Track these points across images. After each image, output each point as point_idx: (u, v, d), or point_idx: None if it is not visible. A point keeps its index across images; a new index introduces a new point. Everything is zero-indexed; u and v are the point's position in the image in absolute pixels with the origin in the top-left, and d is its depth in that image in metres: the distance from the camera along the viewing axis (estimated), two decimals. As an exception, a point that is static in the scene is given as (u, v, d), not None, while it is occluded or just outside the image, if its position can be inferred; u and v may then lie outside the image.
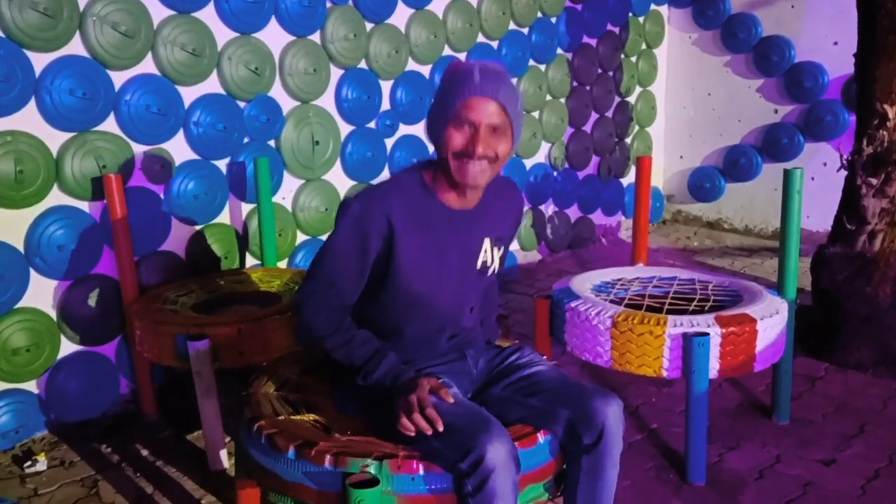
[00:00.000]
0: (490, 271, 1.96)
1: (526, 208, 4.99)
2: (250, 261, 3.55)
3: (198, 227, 3.33)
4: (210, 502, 2.54)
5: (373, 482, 1.63)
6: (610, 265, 3.47)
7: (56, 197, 2.90)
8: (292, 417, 1.89)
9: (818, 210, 4.84)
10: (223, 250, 3.39)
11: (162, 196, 3.19)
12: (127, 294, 2.96)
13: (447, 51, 4.25)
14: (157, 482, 2.66)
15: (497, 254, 1.96)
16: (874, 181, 3.40)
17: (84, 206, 2.98)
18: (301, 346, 2.20)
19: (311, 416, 1.91)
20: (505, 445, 1.61)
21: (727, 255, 5.31)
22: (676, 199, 6.09)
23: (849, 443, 2.82)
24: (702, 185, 5.86)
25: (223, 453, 2.72)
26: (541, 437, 1.80)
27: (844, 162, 3.56)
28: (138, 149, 3.10)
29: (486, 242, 1.92)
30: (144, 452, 2.86)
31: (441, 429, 1.63)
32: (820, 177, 5.10)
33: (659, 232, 5.91)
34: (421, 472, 1.67)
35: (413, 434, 1.67)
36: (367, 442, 1.76)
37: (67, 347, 3.01)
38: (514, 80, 4.71)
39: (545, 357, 2.05)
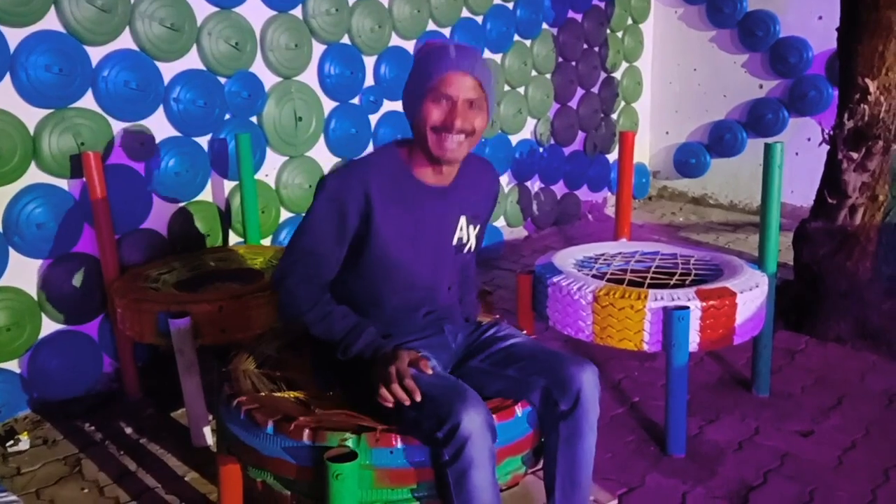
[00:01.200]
0: (466, 249, 1.97)
1: (512, 185, 4.99)
2: (233, 238, 3.53)
3: (180, 205, 3.31)
4: (193, 478, 2.55)
5: (351, 456, 1.64)
6: (595, 241, 3.47)
7: (34, 175, 2.87)
8: (272, 394, 1.90)
9: (802, 185, 4.87)
10: (206, 228, 3.38)
11: (143, 173, 3.17)
12: (108, 272, 2.95)
13: (431, 25, 4.21)
14: (140, 459, 2.67)
15: (473, 232, 1.97)
16: (855, 155, 3.41)
17: (63, 183, 2.95)
18: (282, 322, 2.20)
19: (291, 393, 1.92)
20: (480, 414, 1.63)
21: (712, 231, 5.33)
22: (662, 175, 6.09)
23: (827, 415, 2.86)
24: (687, 160, 5.87)
25: (206, 430, 2.72)
26: (518, 410, 1.82)
27: (826, 136, 3.57)
28: (117, 126, 3.07)
29: (462, 220, 1.93)
30: (128, 430, 2.86)
31: (419, 399, 1.65)
32: (804, 152, 5.11)
33: (644, 208, 5.92)
34: (399, 445, 1.68)
35: (391, 405, 1.68)
36: (345, 416, 1.77)
37: (49, 326, 3.00)
38: (499, 56, 4.68)
39: (525, 332, 2.06)
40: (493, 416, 1.71)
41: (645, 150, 6.06)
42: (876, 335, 3.39)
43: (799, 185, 4.92)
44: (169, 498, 2.45)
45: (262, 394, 1.89)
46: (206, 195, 3.41)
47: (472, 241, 1.97)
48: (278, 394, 1.91)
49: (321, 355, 1.96)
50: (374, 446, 1.67)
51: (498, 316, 2.16)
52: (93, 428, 2.88)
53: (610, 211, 5.84)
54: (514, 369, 1.86)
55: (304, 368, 2.05)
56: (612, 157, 5.80)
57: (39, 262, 2.94)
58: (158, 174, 3.20)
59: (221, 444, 2.10)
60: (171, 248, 3.28)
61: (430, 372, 1.71)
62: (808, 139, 5.15)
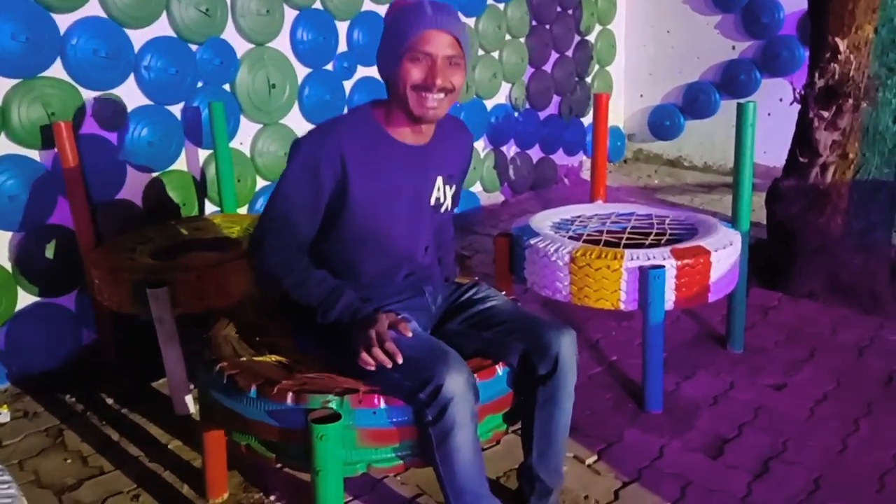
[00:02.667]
0: (443, 208, 1.97)
1: (488, 149, 4.99)
2: (209, 207, 3.51)
3: (154, 175, 3.28)
4: (177, 446, 2.56)
5: (334, 417, 1.66)
6: (572, 205, 3.50)
7: (4, 146, 2.83)
8: (253, 358, 1.91)
9: (774, 145, 4.87)
10: (181, 197, 3.35)
11: (115, 143, 3.13)
12: (84, 243, 2.93)
13: (403, -11, 4.17)
14: (123, 429, 2.67)
15: (449, 192, 1.97)
16: (826, 114, 3.45)
17: (34, 154, 2.92)
18: (260, 288, 2.20)
19: (273, 357, 1.93)
20: (463, 375, 1.65)
21: (687, 192, 5.39)
22: (637, 138, 6.12)
23: (799, 368, 2.93)
24: (662, 123, 5.90)
25: (188, 398, 2.73)
26: (499, 369, 1.84)
27: (797, 95, 3.60)
28: (88, 95, 3.02)
29: (439, 180, 1.93)
30: (109, 401, 2.86)
31: (400, 361, 1.66)
32: (776, 112, 5.14)
33: (620, 171, 5.96)
34: (382, 405, 1.70)
35: (373, 368, 1.69)
36: (327, 378, 1.78)
37: (25, 299, 2.98)
38: (473, 20, 4.65)
39: (503, 293, 2.08)
40: (475, 375, 1.74)
41: (620, 113, 6.08)
42: (847, 290, 3.46)
43: (772, 146, 4.94)
44: (153, 466, 2.46)
45: (244, 358, 1.90)
46: (181, 164, 3.38)
47: (449, 201, 1.98)
48: (259, 358, 1.92)
49: (300, 320, 1.97)
50: (356, 407, 1.69)
51: (476, 278, 2.17)
52: (73, 399, 2.87)
53: (586, 174, 5.86)
54: (493, 332, 1.88)
55: (284, 333, 2.06)
56: (588, 120, 5.81)
57: (11, 234, 2.91)
58: (131, 144, 3.16)
59: (204, 410, 2.11)
60: (147, 218, 3.26)
61: (409, 334, 1.72)
62: (781, 100, 5.19)
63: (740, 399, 2.73)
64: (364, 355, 1.69)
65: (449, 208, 1.99)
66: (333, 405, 1.69)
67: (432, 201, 1.93)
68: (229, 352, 1.93)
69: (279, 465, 2.40)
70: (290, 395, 1.72)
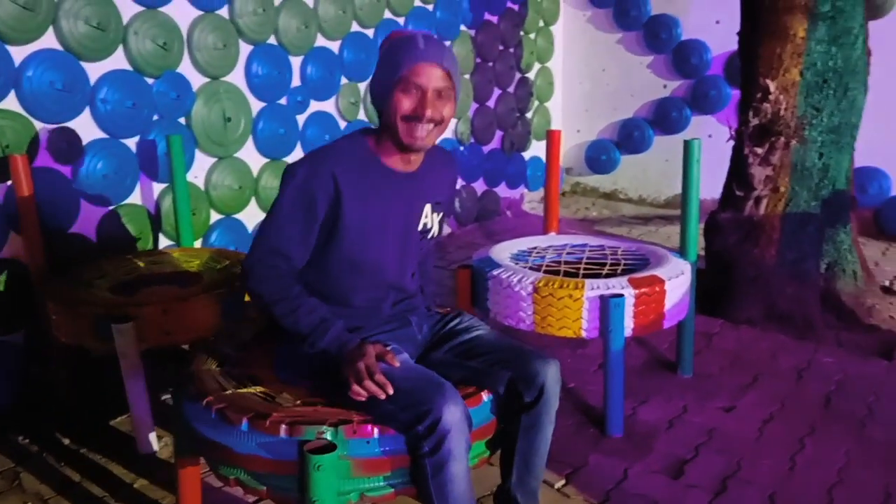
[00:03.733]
0: (430, 235, 2.03)
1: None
2: (163, 241, 3.47)
3: (109, 208, 3.23)
4: (143, 486, 2.51)
5: (329, 447, 1.68)
6: (516, 236, 3.60)
7: (-45, 179, 2.76)
8: (238, 391, 1.91)
9: (705, 179, 5.09)
10: (136, 231, 3.31)
11: (70, 176, 3.08)
12: (38, 278, 2.85)
13: (355, 26, 4.25)
14: (83, 469, 2.60)
15: (436, 219, 2.03)
16: (760, 150, 3.68)
17: (-15, 188, 2.85)
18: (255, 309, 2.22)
19: (257, 388, 1.94)
20: (459, 407, 1.69)
21: (624, 224, 5.59)
22: (575, 172, 6.33)
23: (745, 392, 3.08)
24: (598, 157, 6.12)
25: (152, 436, 2.68)
26: (484, 396, 1.90)
27: (733, 133, 3.83)
28: (42, 127, 2.97)
29: (427, 207, 1.98)
30: (65, 441, 2.78)
31: (391, 392, 1.69)
32: (706, 148, 5.37)
33: (559, 204, 6.12)
34: (375, 435, 1.73)
35: (364, 399, 1.73)
36: (318, 410, 1.80)
37: (-28, 337, 2.88)
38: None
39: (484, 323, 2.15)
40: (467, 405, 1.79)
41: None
42: (782, 316, 3.67)
43: (703, 180, 5.21)
44: (119, 506, 2.41)
45: (229, 392, 1.90)
46: (136, 198, 3.34)
47: (435, 228, 2.04)
48: (244, 390, 1.92)
49: (282, 350, 1.99)
50: (350, 437, 1.72)
51: (458, 309, 2.23)
52: (27, 440, 2.78)
53: (527, 207, 6.03)
54: (479, 361, 1.93)
55: (264, 364, 2.07)
56: (528, 154, 5.99)
57: (-39, 269, 2.82)
58: (86, 177, 3.12)
59: (182, 446, 2.09)
60: (101, 252, 3.20)
61: (396, 364, 1.76)
62: (710, 136, 5.48)
63: (694, 422, 2.86)
64: (355, 388, 1.72)
65: (435, 235, 2.05)
66: (328, 436, 1.71)
67: (420, 227, 1.98)
68: (214, 386, 1.92)
69: (253, 501, 2.39)
70: (283, 427, 1.73)
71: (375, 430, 1.73)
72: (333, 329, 1.83)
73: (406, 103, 1.79)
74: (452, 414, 1.66)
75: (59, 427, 2.85)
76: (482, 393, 1.90)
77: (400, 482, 1.79)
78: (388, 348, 1.83)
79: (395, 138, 1.84)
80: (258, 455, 1.76)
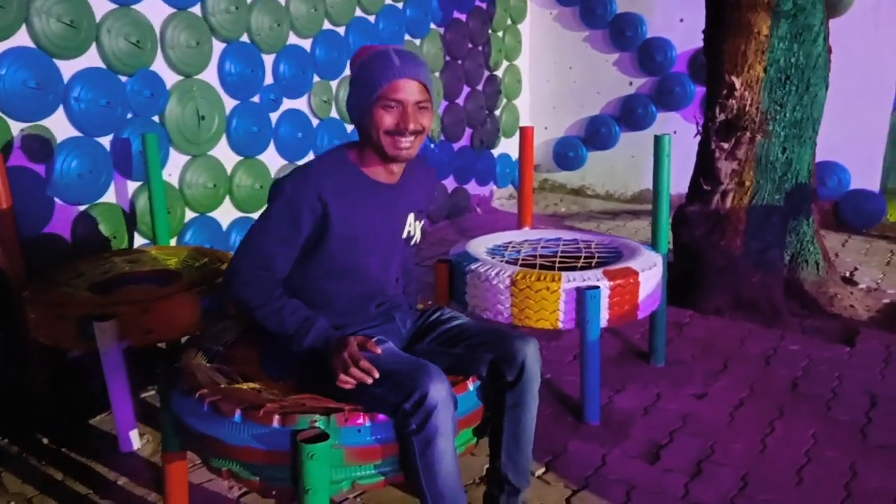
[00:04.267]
0: (413, 241, 2.10)
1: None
2: (139, 240, 3.46)
3: (83, 208, 3.21)
4: (126, 483, 2.52)
5: (322, 437, 1.72)
6: (487, 232, 3.66)
7: (-73, 179, 2.72)
8: (231, 386, 1.94)
9: (671, 174, 5.27)
10: (111, 230, 3.29)
11: (44, 175, 3.05)
12: (14, 280, 2.83)
13: (327, 24, 4.27)
14: (66, 469, 2.59)
15: (418, 226, 2.10)
16: (726, 145, 3.79)
17: (-42, 188, 2.81)
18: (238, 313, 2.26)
19: (248, 384, 1.96)
20: (444, 385, 1.76)
21: (593, 219, 5.69)
22: (543, 168, 6.41)
23: (716, 378, 3.18)
24: (566, 153, 6.21)
25: (134, 433, 2.68)
26: (470, 385, 1.95)
27: (699, 129, 3.93)
28: (16, 126, 2.94)
29: (411, 216, 2.05)
30: (44, 441, 2.77)
31: (377, 376, 1.77)
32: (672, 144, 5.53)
33: (528, 199, 6.20)
34: (366, 423, 1.77)
35: (351, 387, 1.78)
36: (310, 399, 1.84)
37: (-55, 339, 2.85)
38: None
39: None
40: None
41: (526, 145, 6.35)
42: (749, 305, 3.78)
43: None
44: (104, 503, 2.41)
45: (222, 385, 1.92)
46: (110, 197, 3.32)
47: (418, 235, 2.10)
48: (235, 385, 1.94)
49: (270, 347, 2.03)
50: (343, 425, 1.76)
51: (438, 304, 2.28)
52: (6, 441, 2.76)
53: (496, 203, 6.10)
54: (462, 347, 2.00)
55: (252, 361, 2.09)
56: (497, 151, 6.05)
57: (-66, 271, 2.78)
58: (60, 176, 3.09)
59: (169, 440, 2.11)
60: (76, 252, 3.18)
61: (378, 351, 1.83)
62: (675, 132, 5.59)
63: (668, 408, 2.94)
64: (342, 377, 1.78)
65: (417, 241, 2.11)
66: (321, 424, 1.75)
67: (404, 235, 2.04)
68: (206, 379, 1.95)
69: (238, 495, 2.41)
70: (276, 417, 1.76)
71: (366, 419, 1.78)
72: (317, 326, 1.89)
73: (388, 119, 1.85)
74: (438, 391, 1.72)
75: (38, 427, 2.83)
76: (468, 381, 1.95)
77: (390, 470, 1.83)
78: (373, 339, 1.88)
79: (379, 152, 1.90)
80: (251, 446, 1.79)
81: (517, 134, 6.11)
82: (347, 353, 1.80)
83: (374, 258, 1.98)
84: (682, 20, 5.51)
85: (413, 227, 2.06)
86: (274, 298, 1.89)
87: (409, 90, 1.85)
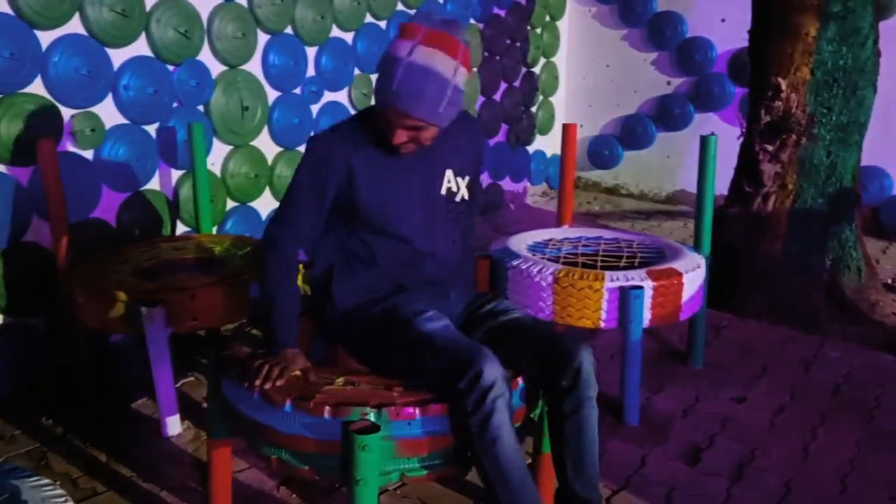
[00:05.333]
0: (458, 198, 2.06)
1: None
2: (180, 228, 3.50)
3: (128, 194, 3.25)
4: (168, 467, 2.54)
5: (373, 428, 1.73)
6: (522, 229, 3.65)
7: (-20, 162, 2.77)
8: (280, 374, 1.95)
9: (709, 175, 5.23)
10: (155, 217, 3.33)
11: (91, 161, 3.09)
12: (62, 263, 2.87)
13: (369, 18, 4.28)
14: (109, 451, 2.63)
15: (463, 182, 2.06)
16: (770, 147, 3.75)
17: (9, 171, 2.85)
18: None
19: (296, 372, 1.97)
20: (498, 366, 1.74)
21: (626, 219, 5.65)
22: (577, 166, 6.34)
23: (755, 382, 3.15)
24: (601, 152, 6.17)
25: (176, 419, 2.72)
26: (520, 381, 1.95)
27: (743, 130, 3.89)
28: (66, 112, 2.99)
29: (449, 172, 2.03)
30: (88, 423, 2.81)
31: (268, 387, 1.83)
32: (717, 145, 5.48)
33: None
34: (417, 416, 1.78)
35: (256, 375, 1.85)
36: (360, 390, 1.85)
37: (-7, 320, 2.90)
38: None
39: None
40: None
41: (560, 143, 6.31)
42: (789, 310, 3.74)
43: (706, 176, 5.29)
44: (147, 486, 2.44)
45: (272, 374, 1.94)
46: (154, 184, 3.36)
47: (464, 191, 2.06)
48: (285, 374, 1.96)
49: (321, 332, 2.06)
50: (394, 419, 1.76)
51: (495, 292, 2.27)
52: (51, 422, 2.80)
53: (530, 200, 6.08)
54: (514, 343, 1.96)
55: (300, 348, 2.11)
56: (532, 148, 6.03)
57: (-14, 253, 2.84)
58: (108, 162, 3.13)
59: (217, 426, 2.13)
60: (120, 237, 3.22)
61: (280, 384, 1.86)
62: (712, 133, 5.52)
63: (707, 411, 2.92)
64: (261, 366, 1.86)
65: (466, 198, 2.07)
66: (371, 417, 1.76)
67: (444, 191, 2.02)
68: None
69: (277, 484, 2.43)
70: (327, 408, 1.77)
71: (417, 412, 1.78)
72: (287, 329, 1.96)
73: (380, 123, 1.88)
74: (493, 369, 1.71)
75: (81, 409, 2.88)
76: (518, 378, 1.95)
77: (438, 463, 1.83)
78: (430, 313, 1.91)
79: None
80: (302, 435, 1.80)
81: (552, 131, 6.13)
82: (287, 365, 1.87)
83: (413, 224, 1.98)
84: (723, 20, 5.45)
85: (454, 182, 2.03)
86: (285, 288, 1.96)
87: (398, 119, 1.83)
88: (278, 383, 1.83)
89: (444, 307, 2.03)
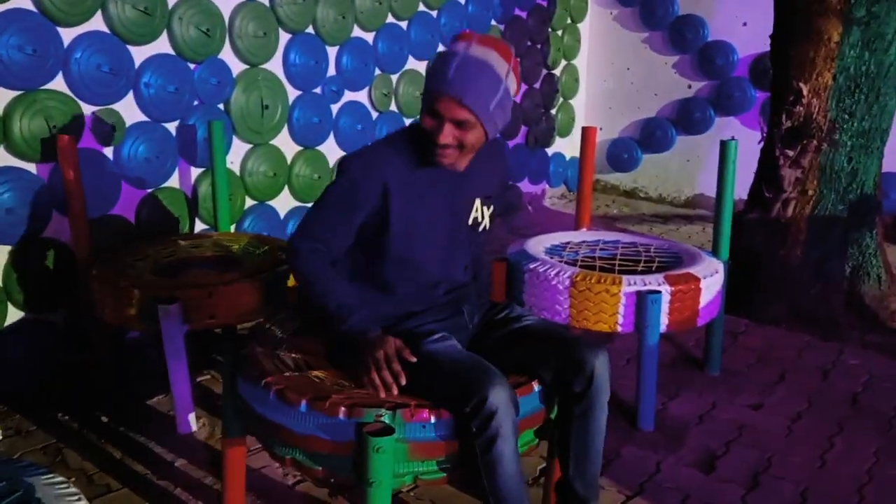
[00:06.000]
0: (481, 227, 2.07)
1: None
2: (199, 226, 3.51)
3: (148, 191, 3.28)
4: (183, 464, 2.56)
5: (388, 430, 1.72)
6: (540, 231, 3.63)
7: (3, 158, 2.80)
8: (296, 374, 1.95)
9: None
10: (174, 215, 3.35)
11: (112, 158, 3.12)
12: (81, 258, 2.89)
13: (390, 18, 4.28)
14: (124, 447, 2.65)
15: (487, 212, 2.08)
16: (791, 153, 3.71)
17: (31, 167, 2.89)
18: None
19: (313, 373, 1.98)
20: (505, 389, 1.74)
21: (645, 222, 5.62)
22: (595, 169, 6.33)
23: (773, 389, 3.12)
24: (620, 155, 6.14)
25: (192, 416, 2.73)
26: (535, 386, 1.94)
27: (764, 135, 3.85)
28: (87, 109, 3.01)
29: (477, 202, 2.03)
30: (104, 419, 2.83)
31: (403, 383, 1.78)
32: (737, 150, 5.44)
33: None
34: (432, 419, 1.77)
35: (379, 391, 1.79)
36: (373, 393, 1.84)
37: (13, 314, 2.93)
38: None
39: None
40: (515, 391, 1.83)
41: (579, 145, 6.29)
42: (807, 317, 3.70)
43: (726, 180, 5.25)
44: (162, 483, 2.45)
45: (288, 374, 1.94)
46: (174, 182, 3.38)
47: (487, 221, 2.08)
48: (301, 374, 1.96)
49: (337, 337, 2.04)
50: (409, 421, 1.76)
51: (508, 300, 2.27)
52: (67, 418, 2.83)
53: (548, 202, 6.07)
54: (527, 349, 1.97)
55: (317, 351, 2.11)
56: (551, 150, 6.02)
57: (6, 248, 2.86)
58: (128, 160, 3.16)
59: (232, 425, 2.14)
60: (139, 234, 3.24)
61: (413, 359, 1.81)
62: (732, 138, 5.48)
63: (723, 418, 2.90)
64: (371, 376, 1.80)
65: (487, 227, 2.09)
66: (386, 419, 1.75)
67: (470, 222, 2.03)
68: (272, 367, 1.97)
69: (293, 484, 2.44)
70: (342, 409, 1.77)
71: (432, 415, 1.77)
72: (359, 314, 1.89)
73: (428, 123, 1.86)
74: (498, 395, 1.70)
75: (97, 405, 2.90)
76: (533, 382, 1.94)
77: (452, 466, 1.83)
78: (437, 335, 1.89)
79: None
80: (316, 435, 1.80)
81: (571, 133, 6.11)
82: (384, 351, 1.80)
83: (438, 247, 1.97)
84: (745, 24, 5.40)
85: (480, 212, 2.04)
86: (328, 277, 1.90)
87: (450, 107, 1.81)
88: (395, 367, 1.79)
89: (459, 322, 2.04)
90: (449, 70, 1.80)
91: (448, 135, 1.83)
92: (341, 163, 1.93)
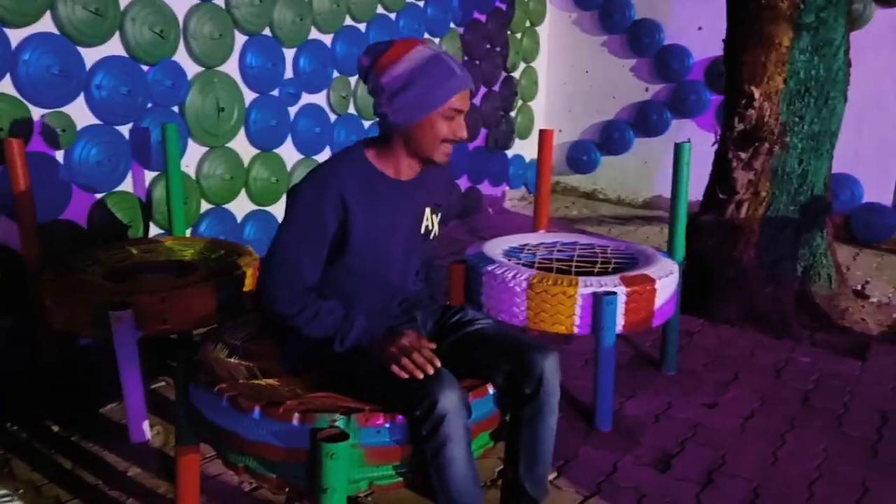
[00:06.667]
0: (432, 235, 2.10)
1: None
2: (153, 230, 3.46)
3: (100, 195, 3.22)
4: (136, 474, 2.51)
5: (342, 436, 1.72)
6: (499, 233, 3.64)
7: (-54, 162, 2.73)
8: (250, 381, 1.93)
9: (685, 182, 5.27)
10: (127, 219, 3.30)
11: (62, 162, 3.05)
12: (31, 265, 2.83)
13: (348, 20, 4.26)
14: (75, 457, 2.59)
15: (436, 219, 2.10)
16: (743, 155, 3.78)
17: (-23, 171, 2.82)
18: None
19: (266, 380, 1.96)
20: (455, 392, 1.75)
21: (604, 224, 5.68)
22: (555, 171, 6.38)
23: (727, 388, 3.18)
24: (579, 157, 6.20)
25: (146, 424, 2.69)
26: (490, 389, 1.95)
27: (717, 138, 3.92)
28: (37, 112, 2.95)
29: (427, 210, 2.05)
30: (55, 428, 2.77)
31: (439, 364, 1.78)
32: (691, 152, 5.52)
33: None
34: (386, 424, 1.77)
35: (407, 376, 1.77)
36: (329, 398, 1.84)
37: (-41, 322, 2.85)
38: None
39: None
40: (469, 393, 1.84)
41: (539, 147, 6.34)
42: (760, 316, 3.77)
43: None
44: (114, 494, 2.41)
45: (241, 380, 1.92)
46: (127, 185, 3.33)
47: (436, 228, 2.11)
48: (254, 381, 1.94)
49: (290, 343, 2.03)
50: (363, 426, 1.75)
51: (463, 304, 2.28)
52: (16, 428, 2.76)
53: (508, 204, 6.09)
54: (480, 353, 1.99)
55: (271, 356, 2.09)
56: (510, 152, 6.04)
57: (-48, 254, 2.79)
58: (79, 163, 3.10)
59: (184, 433, 2.11)
60: (91, 239, 3.18)
61: (433, 346, 1.84)
62: (689, 140, 5.55)
63: (679, 417, 2.94)
64: (405, 362, 1.78)
65: (437, 234, 2.11)
66: (340, 424, 1.74)
67: (422, 230, 2.04)
68: (225, 374, 1.94)
69: (249, 490, 2.41)
70: (296, 414, 1.76)
71: (386, 420, 1.77)
72: (358, 323, 1.89)
73: (446, 128, 1.88)
74: (448, 398, 1.71)
75: (48, 414, 2.84)
76: (487, 385, 1.95)
77: (408, 471, 1.83)
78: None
79: (423, 155, 1.92)
80: (269, 443, 1.79)
81: (531, 135, 6.15)
82: (408, 341, 1.81)
83: (395, 256, 1.99)
84: (700, 28, 5.49)
85: (430, 220, 2.06)
86: (308, 306, 1.88)
87: (467, 99, 1.91)
88: (425, 352, 1.79)
89: (413, 328, 2.02)
90: (455, 70, 1.86)
91: (464, 125, 1.91)
92: (292, 191, 1.89)
